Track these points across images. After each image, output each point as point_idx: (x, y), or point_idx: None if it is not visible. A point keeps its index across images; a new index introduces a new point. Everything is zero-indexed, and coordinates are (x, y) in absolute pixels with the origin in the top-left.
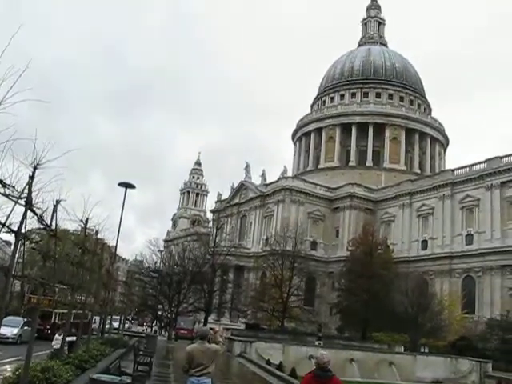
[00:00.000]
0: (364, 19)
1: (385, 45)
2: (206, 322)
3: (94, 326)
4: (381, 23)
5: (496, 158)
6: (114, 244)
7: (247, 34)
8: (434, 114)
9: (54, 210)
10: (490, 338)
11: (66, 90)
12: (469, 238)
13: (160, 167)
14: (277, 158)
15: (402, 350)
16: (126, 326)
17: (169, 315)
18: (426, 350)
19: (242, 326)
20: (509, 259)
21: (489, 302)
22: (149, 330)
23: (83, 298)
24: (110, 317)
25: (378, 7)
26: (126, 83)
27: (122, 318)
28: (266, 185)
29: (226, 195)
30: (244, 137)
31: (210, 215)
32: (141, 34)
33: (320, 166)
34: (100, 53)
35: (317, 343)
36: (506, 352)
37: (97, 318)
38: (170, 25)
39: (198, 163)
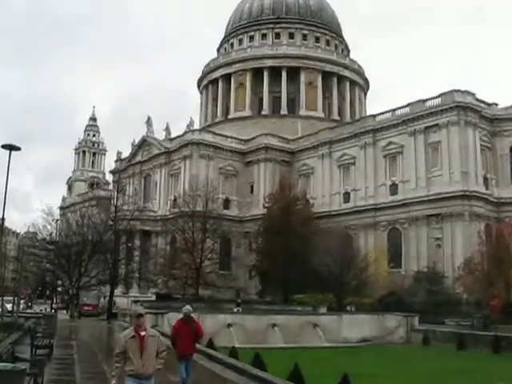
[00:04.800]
0: None
1: None
2: (111, 296)
3: None
4: None
5: (419, 101)
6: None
7: None
8: (353, 57)
9: None
10: (418, 292)
11: None
12: (393, 188)
13: (71, 124)
14: (185, 110)
15: (326, 311)
16: (22, 307)
17: (70, 291)
18: (353, 309)
19: (153, 297)
20: (434, 208)
21: (415, 255)
22: (50, 309)
23: None
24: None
25: None
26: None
27: (16, 299)
28: (171, 139)
29: (127, 154)
30: (153, 88)
31: (109, 177)
32: None
33: (230, 117)
34: None
35: (235, 310)
36: (432, 304)
37: None
38: None
39: (93, 119)
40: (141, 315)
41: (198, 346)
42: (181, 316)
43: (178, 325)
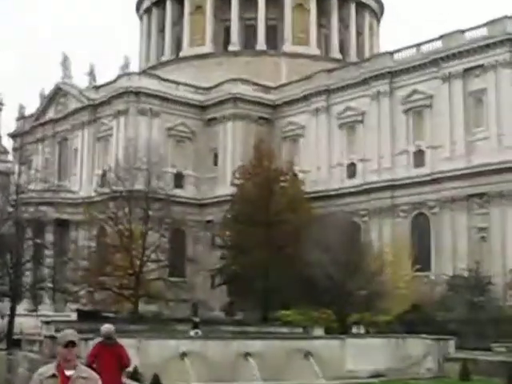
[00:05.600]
0: None
1: None
2: (13, 315)
3: None
4: None
5: (455, 32)
6: None
7: None
8: None
9: None
10: (454, 305)
11: None
12: (418, 158)
13: None
14: (117, 50)
15: (324, 334)
16: None
17: None
18: (361, 331)
19: (73, 316)
20: (477, 185)
21: (450, 252)
22: None
23: None
24: None
25: None
26: None
27: None
28: (98, 88)
29: (34, 109)
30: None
31: (8, 142)
32: None
33: (183, 54)
34: None
35: (192, 333)
36: (474, 323)
37: None
38: None
39: None
40: (72, 343)
41: (126, 382)
42: (99, 339)
43: (96, 350)
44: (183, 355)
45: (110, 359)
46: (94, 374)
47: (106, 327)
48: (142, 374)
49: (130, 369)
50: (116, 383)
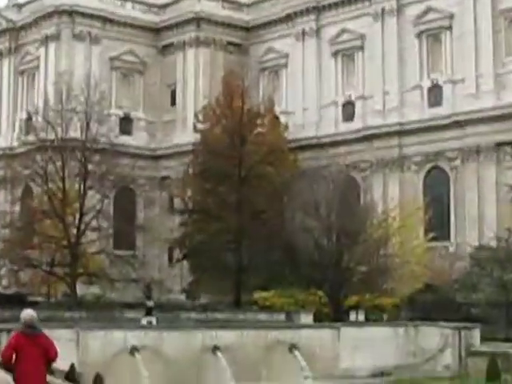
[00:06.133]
0: None
1: None
2: None
3: None
4: None
5: None
6: None
7: None
8: None
9: None
10: (479, 284)
11: None
12: (434, 94)
13: None
14: None
15: (312, 322)
16: None
17: None
18: (361, 317)
19: None
20: (509, 130)
21: (475, 216)
22: None
23: None
24: None
25: None
26: None
27: None
28: (20, 6)
29: None
30: None
31: None
32: None
33: None
34: None
35: (145, 321)
36: (505, 307)
37: None
38: None
39: None
40: None
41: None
42: (19, 327)
43: (15, 341)
44: (133, 350)
45: (33, 352)
46: (7, 376)
47: (28, 313)
48: (80, 375)
49: (66, 368)
50: (41, 381)
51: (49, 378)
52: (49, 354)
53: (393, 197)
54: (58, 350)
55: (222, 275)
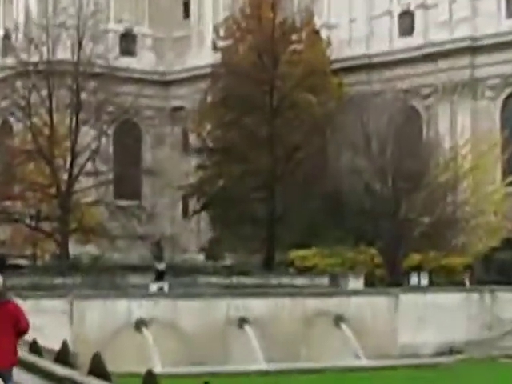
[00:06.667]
0: None
1: None
2: None
3: None
4: None
5: None
6: None
7: None
8: None
9: None
10: None
11: None
12: None
13: None
14: None
15: (363, 287)
16: None
17: None
18: (424, 281)
19: None
20: None
21: None
22: None
23: None
24: None
25: None
26: None
27: None
28: None
29: None
30: None
31: None
32: None
33: None
34: None
35: (154, 288)
36: None
37: None
38: None
39: None
40: None
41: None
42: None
43: None
44: (140, 324)
45: (2, 323)
46: None
47: None
48: (74, 356)
49: (57, 346)
50: (11, 353)
51: (21, 352)
52: (19, 325)
53: (463, 130)
54: (48, 323)
55: (249, 230)
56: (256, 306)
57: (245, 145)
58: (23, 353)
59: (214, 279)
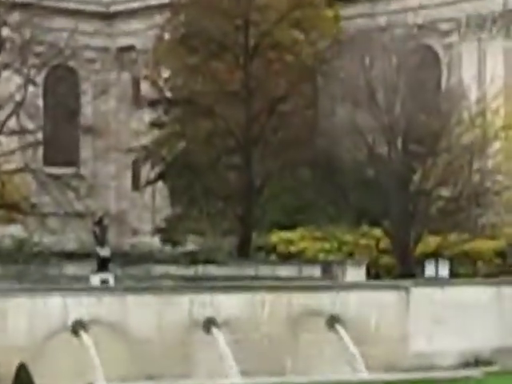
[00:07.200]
0: None
1: None
2: None
3: None
4: None
5: None
6: None
7: None
8: None
9: None
10: None
11: None
12: None
13: None
14: None
15: (365, 278)
16: None
17: None
18: (444, 271)
19: None
20: None
21: None
22: None
23: None
24: None
25: None
26: None
27: None
28: None
29: None
30: None
31: None
32: None
33: None
34: None
35: (97, 280)
36: None
37: None
38: None
39: None
40: None
41: None
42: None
43: None
44: (78, 327)
45: None
46: None
47: None
48: None
49: None
50: None
51: None
52: None
53: (493, 78)
54: None
55: (219, 206)
56: (227, 304)
57: (213, 96)
58: None
59: (172, 269)
